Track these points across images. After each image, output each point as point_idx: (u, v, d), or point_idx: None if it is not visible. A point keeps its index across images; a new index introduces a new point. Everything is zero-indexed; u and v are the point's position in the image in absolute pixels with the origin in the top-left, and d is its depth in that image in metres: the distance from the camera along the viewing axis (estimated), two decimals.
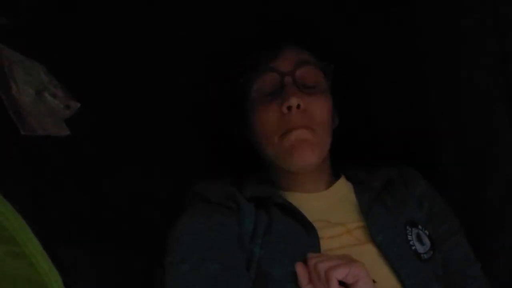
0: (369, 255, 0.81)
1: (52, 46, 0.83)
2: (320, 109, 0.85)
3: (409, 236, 0.83)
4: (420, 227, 0.85)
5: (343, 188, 0.91)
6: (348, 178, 0.93)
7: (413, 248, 0.82)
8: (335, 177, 0.93)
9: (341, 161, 0.93)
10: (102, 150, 0.93)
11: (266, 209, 0.84)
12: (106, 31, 0.92)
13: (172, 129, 1.00)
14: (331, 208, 0.87)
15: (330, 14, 0.98)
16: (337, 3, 0.99)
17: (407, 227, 0.84)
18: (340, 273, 0.71)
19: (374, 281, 0.76)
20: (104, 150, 0.94)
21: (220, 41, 0.99)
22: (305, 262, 0.76)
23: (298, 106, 0.82)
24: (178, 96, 1.00)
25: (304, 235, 0.81)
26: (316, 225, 0.82)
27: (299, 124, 0.82)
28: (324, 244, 0.81)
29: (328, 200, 0.89)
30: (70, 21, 0.89)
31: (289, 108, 0.82)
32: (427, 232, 0.85)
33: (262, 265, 0.79)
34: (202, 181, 0.89)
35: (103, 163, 0.94)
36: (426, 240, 0.84)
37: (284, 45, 0.88)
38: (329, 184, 0.91)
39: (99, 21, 0.91)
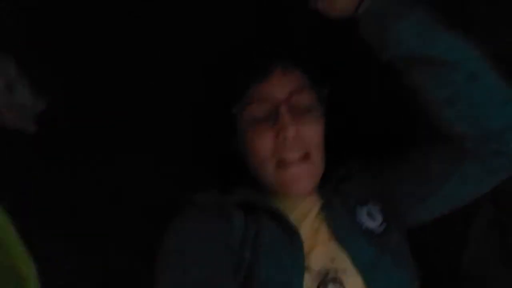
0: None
1: (49, 39, 0.82)
2: (315, 133, 0.85)
3: (358, 217, 0.87)
4: (370, 204, 0.89)
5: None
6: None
7: (364, 227, 0.86)
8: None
9: None
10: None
11: (255, 215, 0.84)
12: (103, 32, 0.90)
13: (166, 136, 0.99)
14: (311, 208, 0.88)
15: (326, 36, 0.94)
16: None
17: (357, 206, 0.88)
18: None
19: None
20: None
21: (212, 62, 0.95)
22: None
23: (294, 136, 0.82)
24: (173, 99, 0.98)
25: (288, 241, 0.82)
26: (301, 227, 0.85)
27: (295, 150, 0.83)
28: (307, 246, 0.83)
29: (311, 201, 0.89)
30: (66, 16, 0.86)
31: (285, 138, 0.82)
32: (377, 207, 0.88)
33: (250, 269, 0.80)
34: (197, 192, 0.89)
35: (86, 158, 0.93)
36: (377, 215, 0.88)
37: (277, 66, 0.85)
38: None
39: (94, 18, 0.89)
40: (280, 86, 0.83)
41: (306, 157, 0.84)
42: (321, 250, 0.84)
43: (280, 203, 0.87)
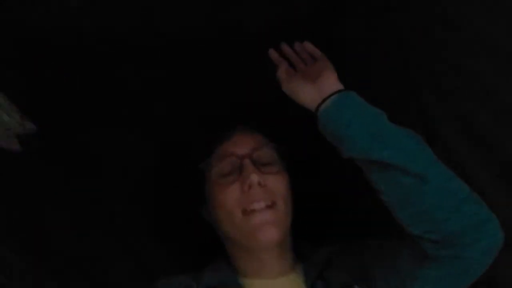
0: None
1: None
2: (279, 184, 0.88)
3: None
4: (356, 286, 0.86)
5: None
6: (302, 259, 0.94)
7: None
8: (296, 259, 0.93)
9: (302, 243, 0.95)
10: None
11: None
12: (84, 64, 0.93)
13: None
14: None
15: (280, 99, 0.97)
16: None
17: None
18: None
19: None
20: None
21: (176, 129, 1.02)
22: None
23: (259, 183, 0.85)
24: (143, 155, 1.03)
25: None
26: None
27: (260, 197, 0.85)
28: None
29: (290, 285, 0.89)
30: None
31: (250, 186, 0.85)
32: None
33: None
34: (167, 277, 0.90)
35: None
36: None
37: (238, 129, 0.93)
38: (292, 267, 0.91)
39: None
40: (242, 144, 0.90)
41: (271, 205, 0.86)
42: None
43: (258, 286, 0.87)
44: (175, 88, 1.00)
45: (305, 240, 0.94)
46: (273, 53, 0.95)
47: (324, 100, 0.83)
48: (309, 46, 0.93)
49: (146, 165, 1.03)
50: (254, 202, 0.84)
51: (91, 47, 0.90)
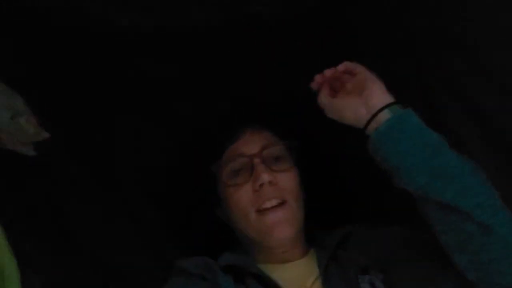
0: None
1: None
2: (289, 181, 0.91)
3: (361, 285, 0.84)
4: (371, 273, 0.86)
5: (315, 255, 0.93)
6: (314, 244, 0.96)
7: None
8: (309, 244, 0.96)
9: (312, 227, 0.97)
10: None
11: (243, 281, 0.86)
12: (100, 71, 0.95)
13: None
14: (305, 276, 0.89)
15: (289, 96, 0.99)
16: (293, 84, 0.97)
17: (359, 276, 0.86)
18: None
19: None
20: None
21: (186, 129, 1.05)
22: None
23: (270, 182, 0.88)
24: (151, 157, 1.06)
25: None
26: None
27: (272, 196, 0.89)
28: None
29: (304, 268, 0.91)
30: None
31: (261, 185, 0.88)
32: (380, 276, 0.86)
33: None
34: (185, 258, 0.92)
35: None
36: (380, 285, 0.85)
37: (247, 128, 0.96)
38: (305, 252, 0.94)
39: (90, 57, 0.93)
40: (251, 144, 0.93)
41: (283, 203, 0.89)
42: None
43: (273, 271, 0.89)
44: (188, 84, 1.01)
45: (316, 224, 0.96)
46: (314, 85, 0.87)
47: (373, 116, 0.76)
48: (342, 66, 0.84)
49: (161, 165, 1.07)
50: (266, 200, 0.88)
51: (106, 39, 0.90)
